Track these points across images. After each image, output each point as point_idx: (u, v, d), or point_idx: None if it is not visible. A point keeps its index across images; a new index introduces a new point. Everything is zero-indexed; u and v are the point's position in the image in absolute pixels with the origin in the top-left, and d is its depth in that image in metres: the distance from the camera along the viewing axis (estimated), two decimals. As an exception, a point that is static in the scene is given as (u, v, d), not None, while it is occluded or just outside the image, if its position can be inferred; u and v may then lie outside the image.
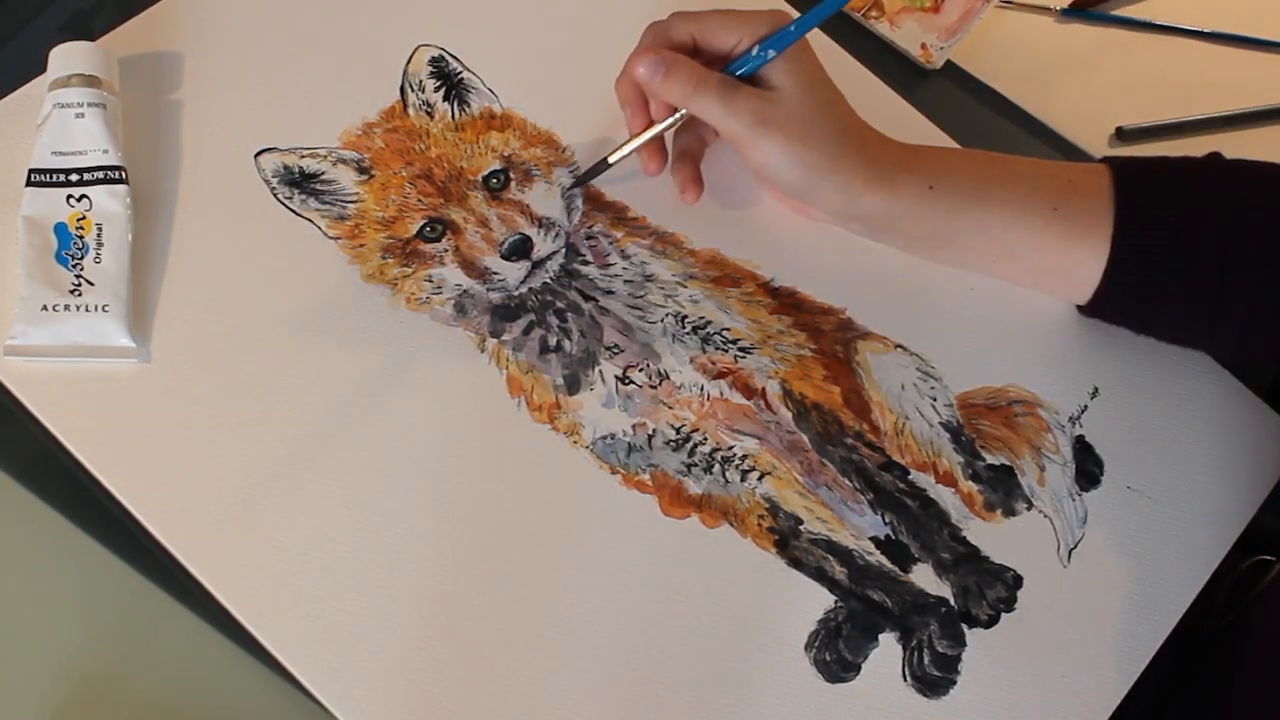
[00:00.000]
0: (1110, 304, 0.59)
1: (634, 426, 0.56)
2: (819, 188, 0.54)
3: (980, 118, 0.69)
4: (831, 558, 0.55)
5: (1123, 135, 0.71)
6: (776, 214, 0.62)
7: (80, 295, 0.52)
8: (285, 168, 0.58)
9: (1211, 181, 0.57)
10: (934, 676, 0.54)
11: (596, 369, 0.57)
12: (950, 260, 0.60)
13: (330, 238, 0.57)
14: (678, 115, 0.56)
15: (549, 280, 0.58)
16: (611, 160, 0.58)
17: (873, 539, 0.56)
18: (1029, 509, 0.58)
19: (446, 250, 0.57)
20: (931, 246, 0.59)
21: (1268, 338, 0.57)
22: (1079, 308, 0.61)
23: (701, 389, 0.57)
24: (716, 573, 0.54)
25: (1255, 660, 0.58)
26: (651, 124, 0.57)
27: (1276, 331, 0.56)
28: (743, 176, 0.62)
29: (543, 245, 0.58)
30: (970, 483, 0.58)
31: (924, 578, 0.55)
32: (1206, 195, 0.56)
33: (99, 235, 0.53)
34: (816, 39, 0.68)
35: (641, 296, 0.58)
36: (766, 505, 0.55)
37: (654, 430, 0.56)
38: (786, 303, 0.60)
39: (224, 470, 0.52)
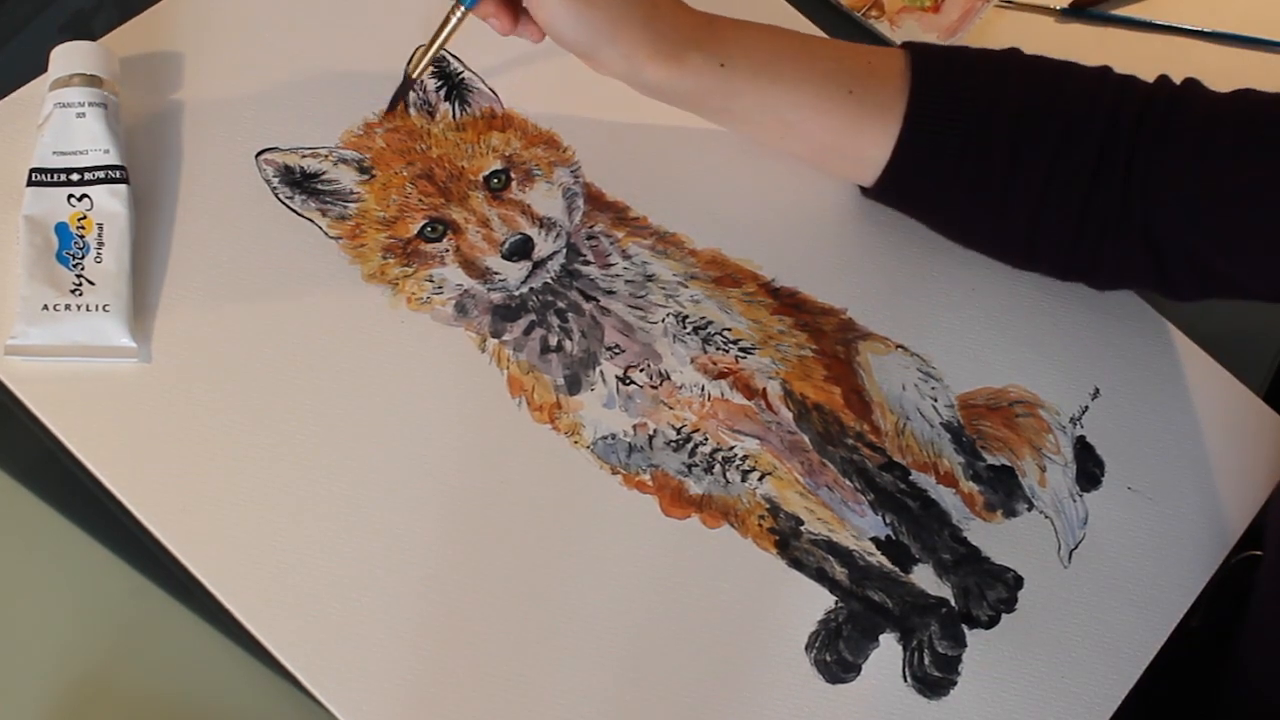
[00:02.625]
0: (894, 187, 0.58)
1: (635, 427, 0.56)
2: (603, 52, 0.53)
3: (981, 118, 0.69)
4: (832, 558, 0.55)
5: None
6: (778, 214, 0.62)
7: (81, 295, 0.52)
8: (286, 168, 0.58)
9: (1008, 74, 0.56)
10: (934, 677, 0.54)
11: (597, 369, 0.57)
12: (741, 134, 0.60)
13: (331, 238, 0.57)
14: None
15: (550, 280, 0.58)
16: (429, 56, 0.56)
17: (873, 540, 0.56)
18: (1030, 510, 0.58)
19: (447, 250, 0.57)
20: (721, 120, 0.59)
21: (1056, 238, 0.56)
22: (862, 190, 0.60)
23: (702, 389, 0.57)
24: (717, 573, 0.54)
25: (1246, 655, 0.58)
26: None
27: (1066, 231, 0.56)
28: (743, 176, 0.62)
29: (544, 245, 0.58)
30: (971, 483, 0.58)
31: (924, 578, 0.55)
32: (1001, 86, 0.55)
33: (100, 235, 0.53)
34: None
35: (643, 297, 0.58)
36: (767, 506, 0.55)
37: (655, 430, 0.56)
38: (787, 303, 0.60)
39: (224, 470, 0.51)
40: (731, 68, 0.54)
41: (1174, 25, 0.75)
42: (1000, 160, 0.55)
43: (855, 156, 0.57)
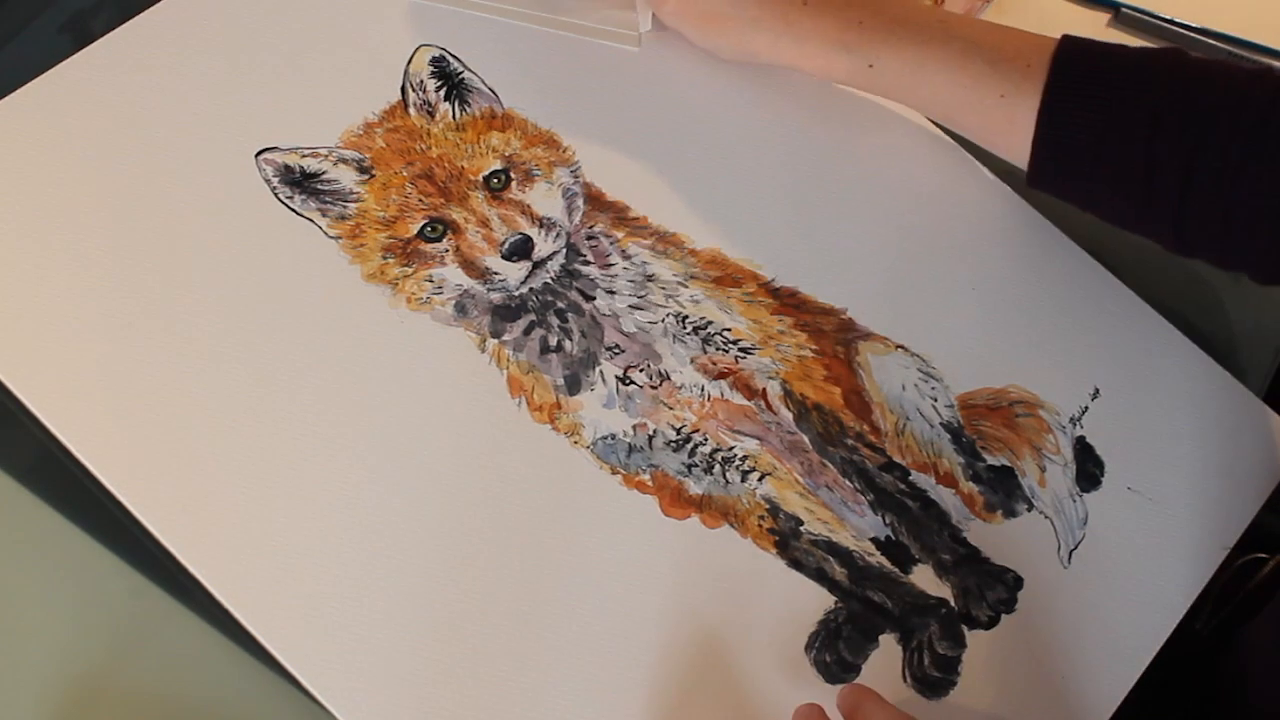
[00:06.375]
0: (1040, 181, 0.57)
1: (634, 427, 0.56)
2: (749, 59, 0.56)
3: (981, 118, 0.69)
4: (832, 559, 0.55)
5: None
6: (778, 214, 0.62)
7: None
8: (286, 167, 0.58)
9: (1153, 72, 0.54)
10: (934, 678, 0.54)
11: (597, 369, 0.57)
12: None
13: (331, 238, 0.57)
14: None
15: (550, 280, 0.58)
16: None
17: (873, 540, 0.56)
18: (1029, 510, 0.58)
19: (447, 250, 0.57)
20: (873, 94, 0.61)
21: (1205, 233, 0.54)
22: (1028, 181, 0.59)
23: (702, 389, 0.57)
24: (717, 574, 0.54)
25: (1251, 659, 0.58)
26: None
27: (1212, 226, 0.54)
28: (743, 175, 0.62)
29: (544, 245, 0.58)
30: (971, 484, 0.58)
31: (924, 579, 0.55)
32: (1143, 84, 0.54)
33: None
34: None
35: (643, 297, 0.58)
36: (767, 506, 0.55)
37: (654, 431, 0.56)
38: (788, 303, 0.60)
39: (224, 470, 0.51)
40: (880, 69, 0.56)
41: (1174, 20, 0.75)
42: (1138, 157, 0.53)
43: (1008, 151, 0.58)
